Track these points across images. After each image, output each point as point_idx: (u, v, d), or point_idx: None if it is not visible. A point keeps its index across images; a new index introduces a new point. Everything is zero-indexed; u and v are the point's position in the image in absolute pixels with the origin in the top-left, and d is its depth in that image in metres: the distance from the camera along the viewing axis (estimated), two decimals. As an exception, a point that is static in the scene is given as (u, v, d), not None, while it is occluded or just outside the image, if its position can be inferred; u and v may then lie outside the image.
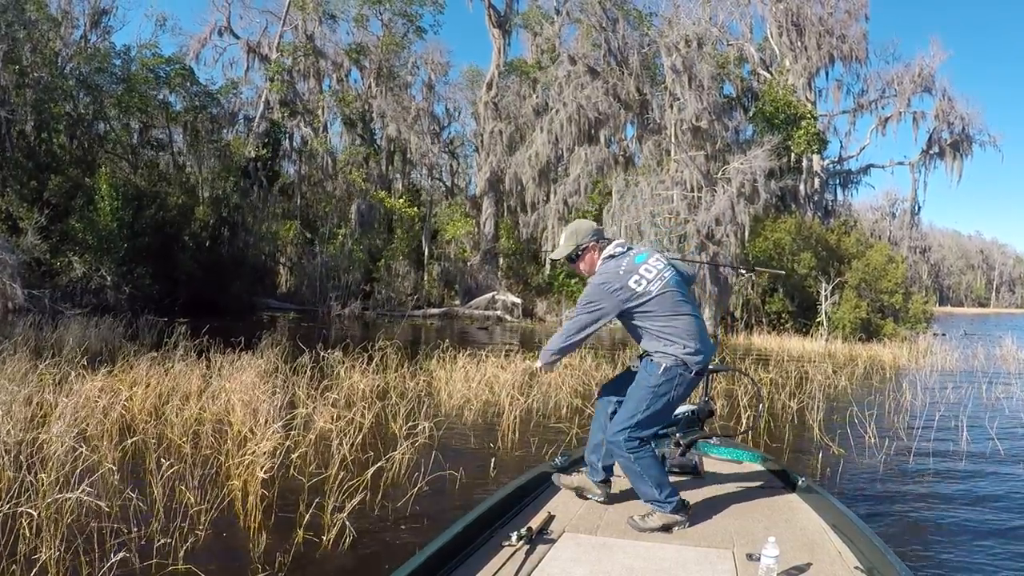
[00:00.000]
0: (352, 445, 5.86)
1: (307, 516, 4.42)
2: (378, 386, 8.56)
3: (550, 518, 3.26)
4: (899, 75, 32.33)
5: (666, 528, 3.27)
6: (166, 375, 8.47)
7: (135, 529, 4.46)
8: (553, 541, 3.06)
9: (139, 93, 26.53)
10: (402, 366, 9.67)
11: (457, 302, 31.25)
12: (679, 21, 25.39)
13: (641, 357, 3.56)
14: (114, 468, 5.33)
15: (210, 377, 8.34)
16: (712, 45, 26.69)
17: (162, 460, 5.79)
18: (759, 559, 2.70)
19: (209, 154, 27.78)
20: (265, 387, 7.57)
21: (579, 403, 8.74)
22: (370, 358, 9.48)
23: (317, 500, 4.72)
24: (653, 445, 3.55)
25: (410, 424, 6.51)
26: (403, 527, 4.68)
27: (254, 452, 4.96)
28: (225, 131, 29.88)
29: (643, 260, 3.47)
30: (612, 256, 3.50)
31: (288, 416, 6.62)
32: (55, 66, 25.04)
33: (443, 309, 29.89)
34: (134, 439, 6.05)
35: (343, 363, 9.09)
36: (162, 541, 4.28)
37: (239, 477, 4.93)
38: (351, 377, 8.73)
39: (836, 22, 30.60)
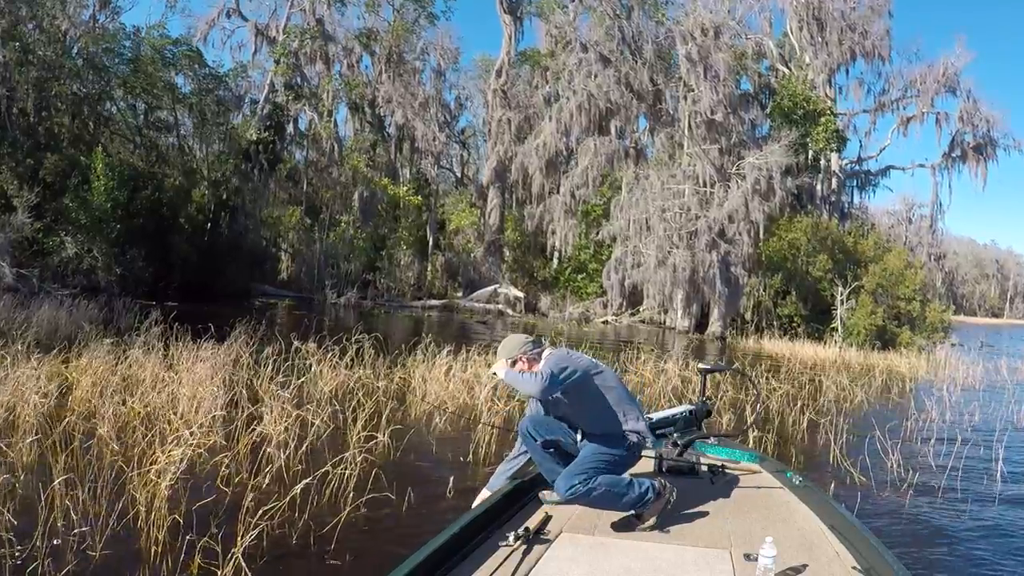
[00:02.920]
0: (295, 453, 5.12)
1: (210, 541, 3.67)
2: (345, 384, 7.76)
3: (547, 518, 3.21)
4: (923, 74, 31.13)
5: (661, 517, 3.30)
6: (118, 362, 7.76)
7: (17, 546, 3.74)
8: (551, 541, 3.02)
9: (145, 74, 25.91)
10: (377, 361, 8.83)
11: (460, 294, 30.51)
12: (696, 10, 24.45)
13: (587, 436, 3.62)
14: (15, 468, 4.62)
15: (168, 367, 7.63)
16: (730, 37, 25.74)
17: (79, 461, 5.11)
18: (757, 559, 2.69)
19: (215, 137, 27.18)
20: (219, 380, 6.84)
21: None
22: (343, 351, 8.67)
23: (233, 520, 3.97)
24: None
25: (369, 429, 5.75)
26: (318, 563, 3.87)
27: (165, 459, 4.21)
28: (232, 115, 29.26)
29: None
30: (551, 354, 3.59)
31: (233, 414, 5.89)
32: (61, 45, 24.49)
33: (443, 301, 29.14)
34: (51, 437, 5.35)
35: (313, 356, 8.32)
36: (38, 564, 3.56)
37: (147, 488, 4.19)
38: (321, 372, 8.00)
39: (859, 17, 29.52)
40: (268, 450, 4.95)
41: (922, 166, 32.86)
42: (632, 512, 3.35)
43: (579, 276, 31.59)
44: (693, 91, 23.43)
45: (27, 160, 22.55)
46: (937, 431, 8.07)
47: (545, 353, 3.62)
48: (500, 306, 28.31)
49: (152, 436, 5.30)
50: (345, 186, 31.22)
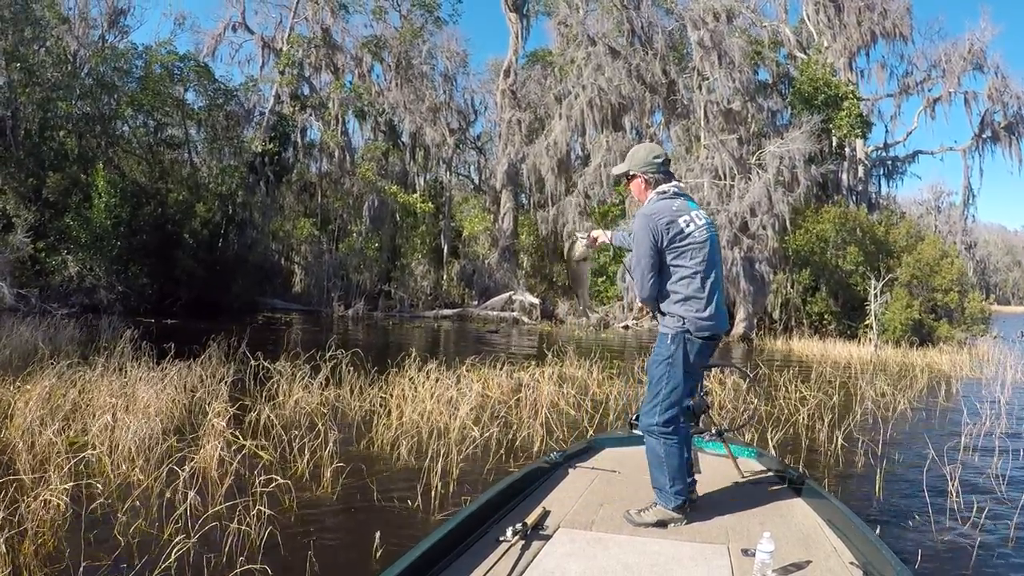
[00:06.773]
0: (213, 495, 4.26)
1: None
2: (302, 409, 6.84)
3: (545, 513, 3.20)
4: (947, 52, 29.62)
5: (661, 524, 3.23)
6: (71, 385, 7.01)
7: None
8: (548, 536, 3.01)
9: (154, 92, 25.58)
10: (355, 379, 7.85)
11: (475, 303, 29.66)
12: (707, -4, 23.41)
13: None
14: None
15: (115, 392, 6.86)
16: (744, 23, 24.64)
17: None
18: (754, 554, 2.66)
19: (226, 151, 26.80)
20: (161, 407, 6.03)
21: (562, 436, 6.54)
22: (315, 369, 7.78)
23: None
24: (685, 425, 3.41)
25: (313, 464, 4.85)
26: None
27: (32, 505, 3.37)
28: (243, 128, 28.86)
29: (695, 207, 3.41)
30: (665, 193, 3.38)
31: (166, 446, 5.06)
32: (69, 64, 24.28)
33: (456, 310, 28.29)
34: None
35: (281, 375, 7.48)
36: None
37: (25, 540, 3.36)
38: (286, 393, 7.16)
39: (877, -4, 28.24)
40: (181, 490, 4.08)
41: (952, 149, 31.31)
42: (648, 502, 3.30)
43: (599, 280, 30.57)
44: (708, 80, 22.34)
45: (29, 180, 22.28)
46: (997, 445, 6.79)
47: (661, 187, 3.36)
48: (515, 313, 27.39)
49: (69, 471, 4.49)
50: (356, 196, 30.63)
